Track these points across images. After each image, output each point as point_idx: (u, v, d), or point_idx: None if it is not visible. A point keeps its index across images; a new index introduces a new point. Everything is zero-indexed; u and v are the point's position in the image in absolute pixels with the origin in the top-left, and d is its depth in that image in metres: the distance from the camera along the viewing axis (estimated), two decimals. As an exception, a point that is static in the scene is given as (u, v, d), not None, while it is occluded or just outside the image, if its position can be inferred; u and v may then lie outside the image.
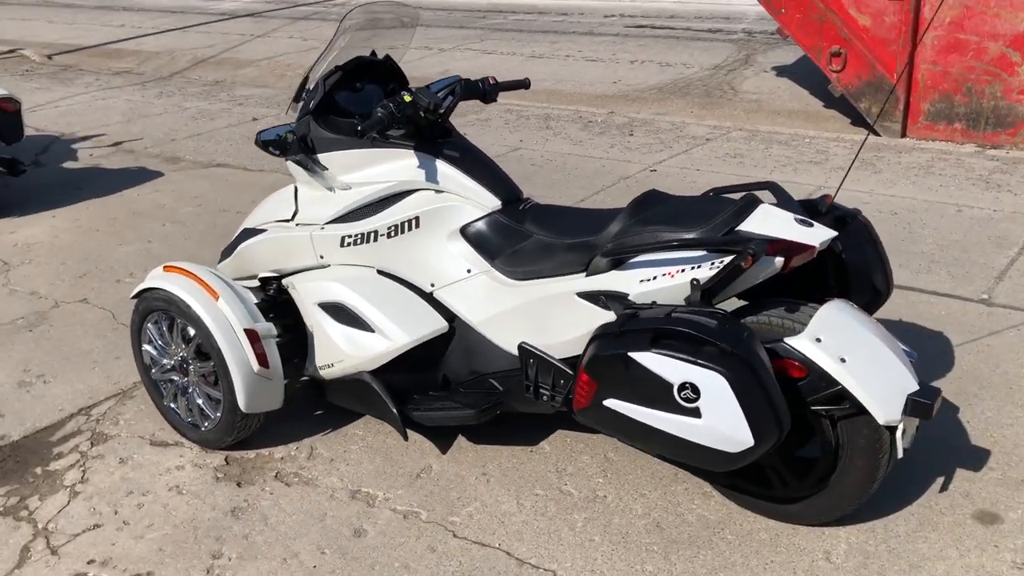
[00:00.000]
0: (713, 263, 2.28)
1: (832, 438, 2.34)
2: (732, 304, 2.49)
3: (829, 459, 2.36)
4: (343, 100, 2.96)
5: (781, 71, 8.21)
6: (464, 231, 2.78)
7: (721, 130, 6.43)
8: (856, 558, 2.36)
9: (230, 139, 6.90)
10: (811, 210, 2.59)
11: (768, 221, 2.33)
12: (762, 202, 2.41)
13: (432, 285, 2.82)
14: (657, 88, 8.01)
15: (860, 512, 2.48)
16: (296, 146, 2.88)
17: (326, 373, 2.89)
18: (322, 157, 2.90)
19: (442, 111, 2.84)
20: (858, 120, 6.43)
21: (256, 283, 3.15)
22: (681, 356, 2.06)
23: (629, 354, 2.13)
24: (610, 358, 2.16)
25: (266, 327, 2.81)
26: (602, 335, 2.24)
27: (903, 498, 2.58)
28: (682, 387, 2.08)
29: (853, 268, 2.59)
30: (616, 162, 5.82)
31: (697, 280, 2.28)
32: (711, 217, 2.35)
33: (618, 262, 2.43)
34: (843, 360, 2.20)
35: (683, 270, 2.31)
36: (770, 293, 2.63)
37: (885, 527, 2.47)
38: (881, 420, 2.18)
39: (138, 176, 6.06)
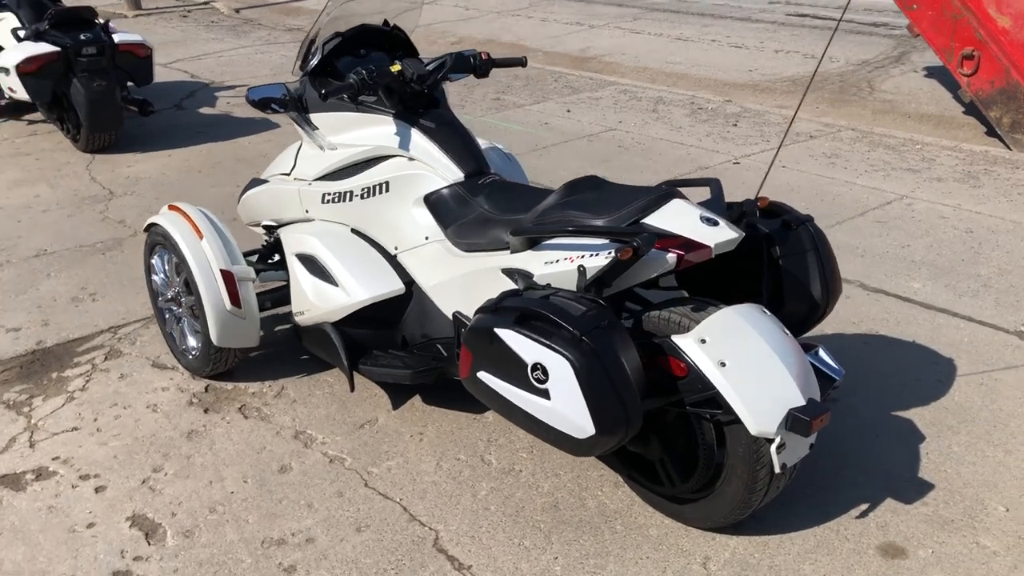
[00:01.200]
0: (609, 253, 2.28)
1: (714, 443, 2.30)
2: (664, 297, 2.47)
3: (712, 464, 2.32)
4: (344, 65, 3.11)
5: (932, 72, 7.70)
6: (427, 199, 2.88)
7: (832, 128, 6.15)
8: (733, 568, 2.32)
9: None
10: (752, 212, 2.53)
11: (672, 216, 2.31)
12: (679, 196, 2.37)
13: (395, 248, 2.94)
14: (791, 80, 7.72)
15: (761, 524, 2.44)
16: (292, 104, 3.06)
17: (299, 320, 3.08)
18: (314, 117, 3.08)
19: (428, 82, 2.95)
20: (993, 130, 5.97)
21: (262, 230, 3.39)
22: (535, 337, 2.10)
23: (495, 329, 2.18)
24: (480, 331, 2.22)
25: (243, 270, 3.03)
26: (482, 309, 2.29)
27: (813, 517, 2.49)
28: (535, 367, 2.11)
29: (789, 276, 2.51)
30: (704, 151, 5.70)
31: (583, 267, 2.29)
32: (623, 207, 2.35)
33: (534, 242, 2.47)
34: (723, 364, 2.15)
35: (582, 256, 2.32)
36: (710, 291, 2.60)
37: (780, 543, 2.41)
38: (753, 430, 2.13)
39: (256, 126, 6.50)
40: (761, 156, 5.58)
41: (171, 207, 3.19)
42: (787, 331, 2.30)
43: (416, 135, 2.91)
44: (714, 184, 2.57)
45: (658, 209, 2.33)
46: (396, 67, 2.91)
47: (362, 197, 2.98)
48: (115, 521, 2.54)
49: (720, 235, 2.28)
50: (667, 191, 2.39)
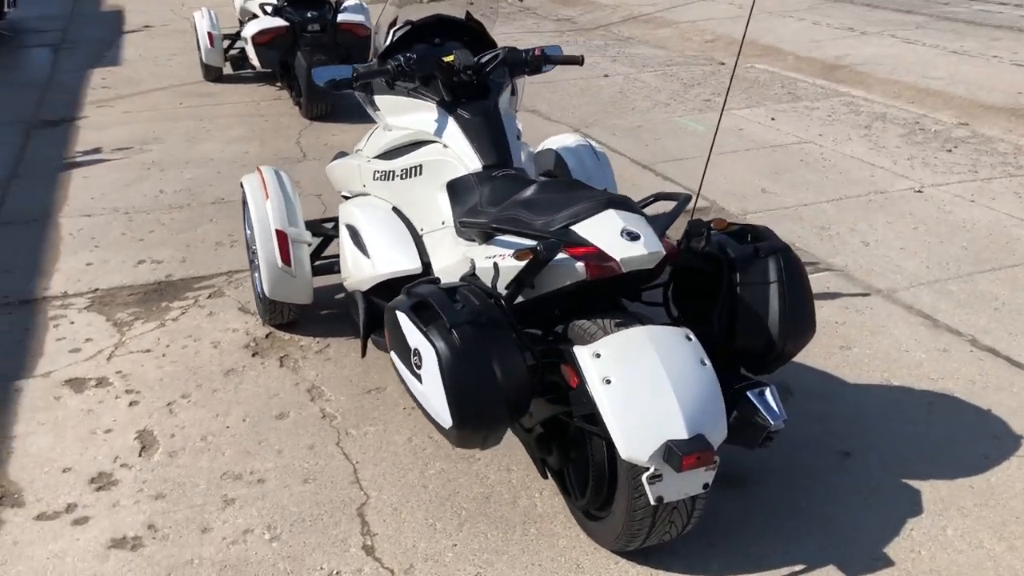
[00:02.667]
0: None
1: (604, 462, 2.23)
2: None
3: (603, 482, 2.26)
4: (422, 51, 3.28)
5: None
6: (449, 185, 2.99)
7: (1065, 165, 5.38)
8: (614, 595, 2.25)
9: (563, 91, 7.39)
10: (713, 233, 2.39)
11: (597, 226, 2.26)
12: (619, 206, 2.31)
13: (421, 229, 3.09)
14: (1059, 107, 6.78)
15: (675, 558, 2.32)
16: (360, 85, 3.29)
17: (345, 284, 3.33)
18: (377, 99, 3.29)
19: (479, 73, 3.05)
20: None
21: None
22: (417, 323, 2.16)
23: (396, 312, 2.26)
24: (389, 312, 2.32)
25: (298, 232, 3.32)
26: (402, 292, 2.38)
27: (734, 564, 2.33)
28: (414, 352, 2.18)
29: (745, 307, 2.35)
30: (890, 175, 5.23)
31: (498, 266, 2.30)
32: (562, 210, 2.33)
33: (488, 236, 2.51)
34: (608, 381, 2.09)
35: (502, 256, 2.34)
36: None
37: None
38: (623, 454, 2.05)
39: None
40: (954, 188, 5.03)
41: (258, 168, 3.54)
42: (705, 361, 2.17)
43: (451, 123, 3.02)
44: (681, 200, 2.46)
45: (589, 217, 2.29)
46: (450, 57, 3.03)
47: (402, 178, 3.15)
48: (128, 432, 2.93)
49: (632, 251, 2.20)
50: (610, 199, 2.33)
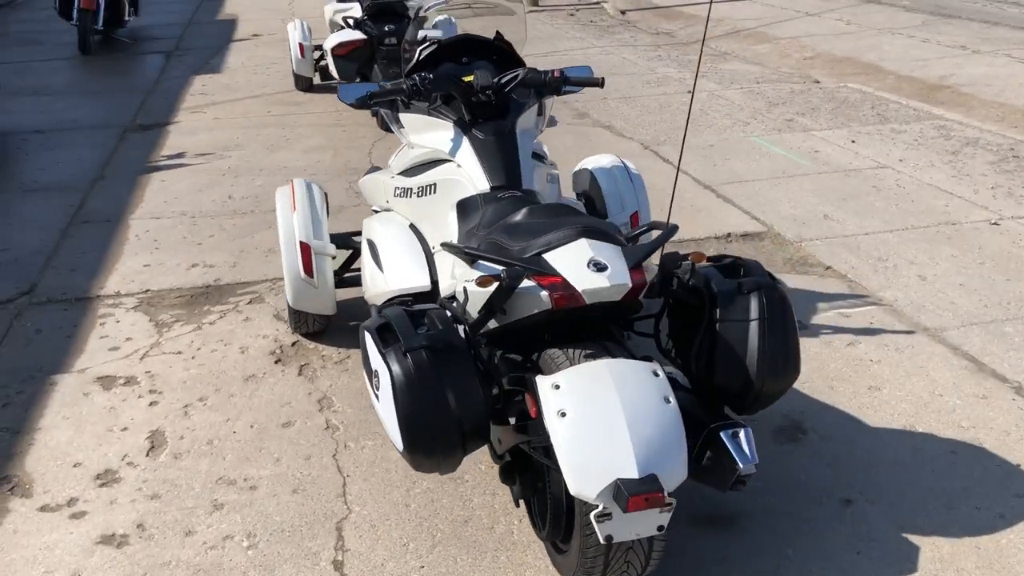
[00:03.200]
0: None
1: (561, 495, 2.20)
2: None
3: (561, 516, 2.22)
4: (445, 71, 3.32)
5: None
6: (458, 204, 3.01)
7: None
8: (567, 632, 2.21)
9: (642, 107, 7.30)
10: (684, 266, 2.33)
11: (567, 255, 2.23)
12: (594, 236, 2.27)
13: (433, 248, 3.11)
14: None
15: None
16: (387, 103, 3.34)
17: (365, 298, 3.38)
18: (401, 116, 3.33)
19: (498, 94, 3.06)
20: None
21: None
22: (378, 344, 2.17)
23: (363, 331, 2.28)
24: (360, 330, 2.34)
25: (321, 245, 3.39)
26: (373, 312, 2.40)
27: (693, 612, 2.26)
28: (373, 373, 2.19)
29: (723, 345, 2.28)
30: (968, 205, 4.96)
31: (467, 291, 2.30)
32: (540, 237, 2.31)
33: (474, 259, 2.50)
34: (563, 414, 2.05)
35: (473, 281, 2.33)
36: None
37: (636, 625, 2.22)
38: (571, 489, 2.01)
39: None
40: (1035, 220, 4.73)
41: (291, 181, 3.64)
42: (670, 399, 2.10)
43: (465, 143, 3.03)
44: (666, 230, 2.39)
45: (561, 246, 2.26)
46: (469, 77, 3.05)
47: (418, 195, 3.18)
48: (141, 432, 3.06)
49: (596, 282, 2.16)
50: (585, 228, 2.29)
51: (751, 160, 5.82)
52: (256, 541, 2.54)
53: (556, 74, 3.12)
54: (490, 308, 2.29)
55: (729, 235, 4.64)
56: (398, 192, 3.30)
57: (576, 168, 3.96)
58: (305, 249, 3.37)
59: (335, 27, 7.30)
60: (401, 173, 3.34)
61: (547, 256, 2.25)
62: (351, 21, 6.67)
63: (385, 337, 2.19)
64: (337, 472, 2.82)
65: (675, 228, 2.45)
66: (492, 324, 2.38)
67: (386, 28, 6.32)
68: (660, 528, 2.07)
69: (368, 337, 2.24)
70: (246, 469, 2.85)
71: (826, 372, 3.34)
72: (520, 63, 3.33)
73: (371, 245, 3.29)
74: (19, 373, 3.43)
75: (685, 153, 6.00)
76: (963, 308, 3.80)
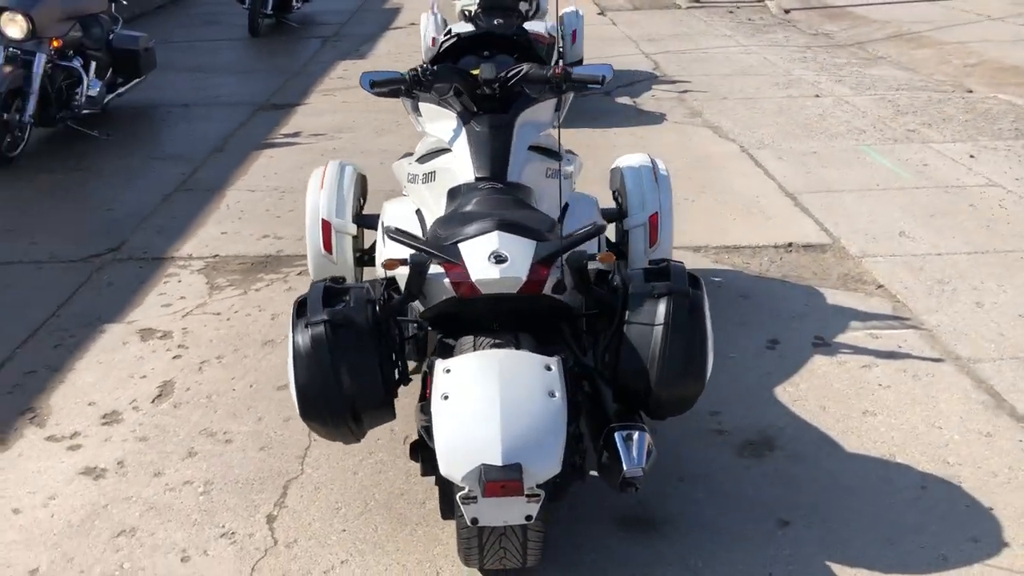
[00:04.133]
0: None
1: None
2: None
3: (449, 495, 2.30)
4: (464, 63, 3.44)
5: None
6: (449, 193, 3.12)
7: None
8: (446, 608, 2.30)
9: (760, 109, 7.11)
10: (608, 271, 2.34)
11: (476, 245, 2.31)
12: (506, 230, 2.33)
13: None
14: None
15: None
16: (406, 92, 3.48)
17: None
18: (420, 105, 3.47)
19: (501, 88, 3.15)
20: None
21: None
22: (293, 317, 2.32)
23: (296, 304, 2.43)
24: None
25: (342, 223, 3.59)
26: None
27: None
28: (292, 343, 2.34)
29: (628, 348, 2.28)
30: (1068, 232, 4.57)
31: (387, 274, 2.41)
32: (465, 227, 2.39)
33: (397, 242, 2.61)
34: (445, 397, 2.14)
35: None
36: None
37: (514, 611, 2.29)
38: (441, 470, 2.10)
39: (645, 118, 6.82)
40: None
41: (327, 162, 3.85)
42: (556, 394, 2.12)
43: (463, 134, 3.14)
44: (592, 229, 2.42)
45: (477, 237, 2.34)
46: (475, 71, 3.16)
47: (422, 181, 3.31)
48: (155, 381, 3.37)
49: (490, 273, 2.23)
50: (503, 221, 2.36)
51: (849, 170, 5.56)
52: (210, 489, 2.76)
53: (558, 71, 3.15)
54: (409, 291, 2.39)
55: (790, 245, 4.49)
56: (410, 178, 3.44)
57: (612, 166, 3.97)
58: (326, 226, 3.57)
59: (462, 18, 7.52)
60: (417, 160, 3.48)
61: (461, 245, 2.33)
62: (467, 13, 6.85)
63: (300, 309, 2.34)
64: (306, 436, 3.00)
65: (602, 228, 2.46)
66: (421, 307, 2.48)
67: (495, 22, 6.45)
68: (528, 518, 2.11)
69: (294, 312, 2.39)
70: (229, 424, 3.09)
71: (825, 392, 3.21)
72: (538, 59, 3.39)
73: (381, 227, 3.45)
74: (79, 319, 3.84)
75: (781, 158, 5.82)
76: (1010, 340, 3.54)
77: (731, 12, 12.15)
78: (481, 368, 2.16)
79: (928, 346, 3.51)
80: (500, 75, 3.12)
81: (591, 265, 2.42)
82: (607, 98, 7.45)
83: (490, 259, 2.27)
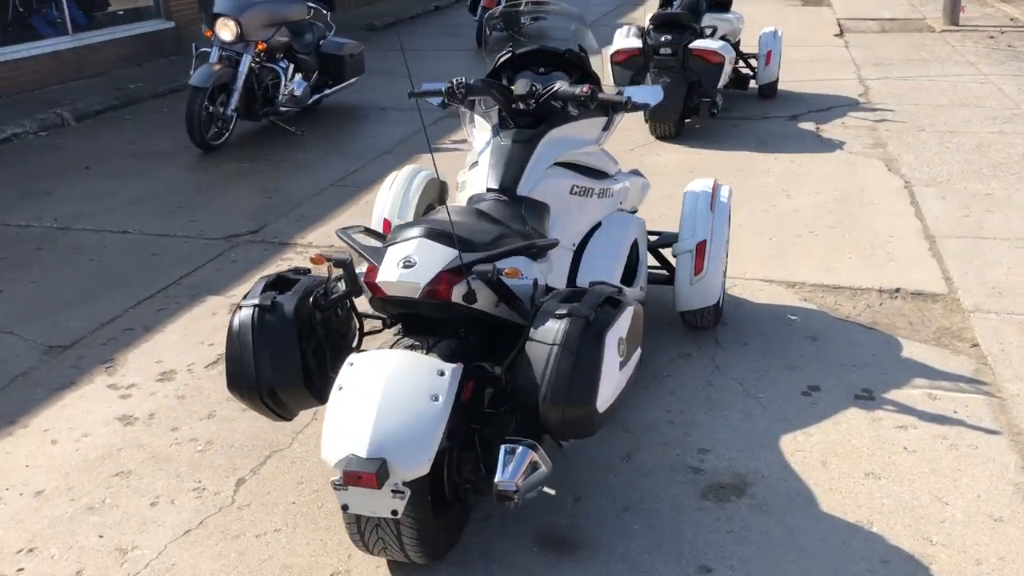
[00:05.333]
0: None
1: None
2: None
3: None
4: (520, 77, 3.54)
5: None
6: (469, 199, 3.25)
7: None
8: (335, 588, 2.45)
9: (956, 144, 6.52)
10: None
11: (396, 250, 2.43)
12: (431, 238, 2.43)
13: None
14: None
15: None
16: (467, 103, 3.64)
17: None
18: (474, 116, 3.62)
19: (533, 104, 3.24)
20: None
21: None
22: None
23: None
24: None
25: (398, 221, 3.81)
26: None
27: None
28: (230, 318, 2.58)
29: (524, 362, 2.31)
30: None
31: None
32: (404, 232, 2.52)
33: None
34: (340, 388, 2.29)
35: None
36: None
37: (391, 602, 2.39)
38: (322, 454, 2.25)
39: (817, 146, 6.49)
40: None
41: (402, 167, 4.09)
42: (439, 398, 2.20)
43: (490, 146, 3.26)
44: (520, 247, 2.46)
45: (402, 242, 2.45)
46: (515, 87, 3.27)
47: (459, 189, 3.47)
48: (218, 349, 3.76)
49: (390, 276, 2.34)
50: (431, 230, 2.45)
51: (1018, 217, 5.00)
52: (208, 449, 3.07)
53: (585, 90, 3.17)
54: (348, 287, 2.55)
55: (897, 290, 4.15)
56: (458, 186, 3.59)
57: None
58: (386, 225, 3.81)
59: (637, 34, 7.51)
60: (467, 169, 3.63)
61: (388, 248, 2.46)
62: (642, 29, 6.86)
63: (249, 292, 2.58)
64: (311, 415, 3.24)
65: (529, 246, 2.48)
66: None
67: (663, 38, 6.43)
68: (394, 512, 2.21)
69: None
70: (232, 408, 3.38)
71: (836, 446, 2.99)
72: (592, 77, 3.42)
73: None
74: (191, 289, 4.34)
75: (944, 197, 5.33)
76: (1095, 422, 3.09)
77: (991, 37, 11.11)
78: (374, 365, 2.28)
79: (991, 416, 3.14)
80: (531, 91, 3.19)
81: (511, 281, 2.47)
82: (790, 122, 7.15)
83: (399, 263, 2.37)
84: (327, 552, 2.56)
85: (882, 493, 2.76)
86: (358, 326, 2.79)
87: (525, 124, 3.26)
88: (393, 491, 2.19)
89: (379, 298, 2.45)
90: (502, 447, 2.28)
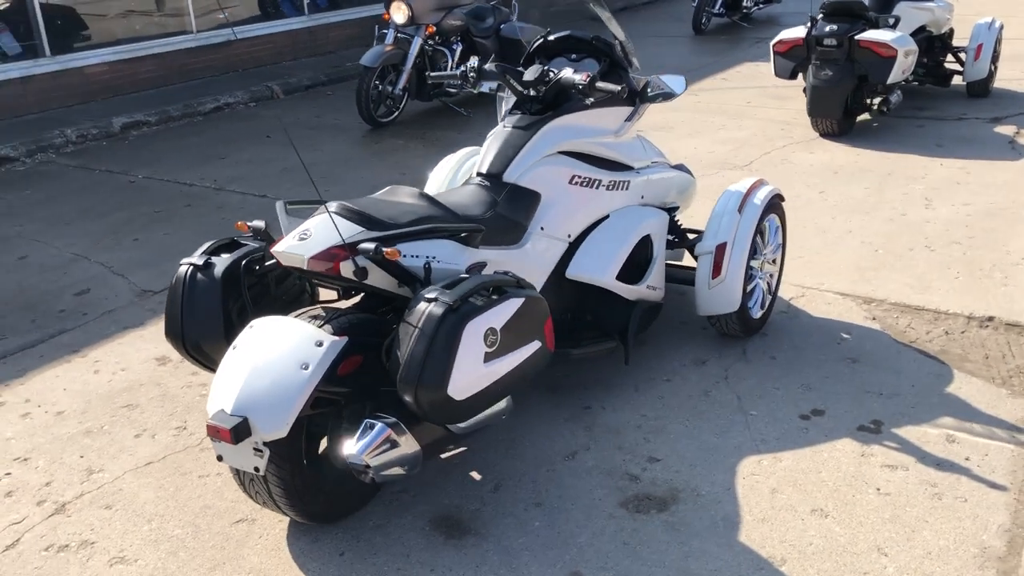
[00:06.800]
0: None
1: None
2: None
3: None
4: (554, 63, 3.52)
5: None
6: (467, 182, 3.30)
7: None
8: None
9: None
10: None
11: (305, 224, 2.53)
12: (337, 214, 2.51)
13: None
14: None
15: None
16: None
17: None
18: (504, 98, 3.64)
19: (534, 90, 3.23)
20: None
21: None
22: (195, 256, 2.80)
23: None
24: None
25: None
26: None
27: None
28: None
29: (395, 343, 2.35)
30: None
31: (269, 233, 2.76)
32: (329, 206, 2.64)
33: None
34: (234, 348, 2.45)
35: None
36: None
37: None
38: (207, 406, 2.44)
39: (1005, 152, 5.80)
40: None
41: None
42: (308, 367, 2.29)
43: (494, 130, 3.28)
44: (414, 231, 2.49)
45: (316, 215, 2.56)
46: (526, 72, 3.28)
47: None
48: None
49: (283, 246, 2.46)
50: (343, 206, 2.54)
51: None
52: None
53: (583, 78, 3.10)
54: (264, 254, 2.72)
55: (991, 319, 3.67)
56: (481, 168, 3.63)
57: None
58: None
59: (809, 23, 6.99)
60: (485, 152, 3.65)
61: (302, 222, 2.58)
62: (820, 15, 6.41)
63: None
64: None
65: (437, 230, 2.51)
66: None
67: (827, 28, 5.98)
68: (256, 469, 2.35)
69: None
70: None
71: (799, 477, 2.74)
72: (619, 64, 3.35)
73: None
74: (285, 252, 4.69)
75: None
76: None
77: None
78: (262, 330, 2.42)
79: (1006, 469, 2.73)
80: (536, 79, 3.17)
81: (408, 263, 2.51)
82: (986, 125, 6.41)
83: (296, 236, 2.48)
84: (245, 501, 2.74)
85: (817, 532, 2.50)
86: (310, 292, 2.93)
87: (536, 111, 3.24)
88: (255, 449, 2.32)
89: (284, 266, 2.57)
90: (365, 421, 2.34)
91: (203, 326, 2.64)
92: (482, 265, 2.77)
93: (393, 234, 2.51)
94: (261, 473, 2.34)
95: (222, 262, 2.69)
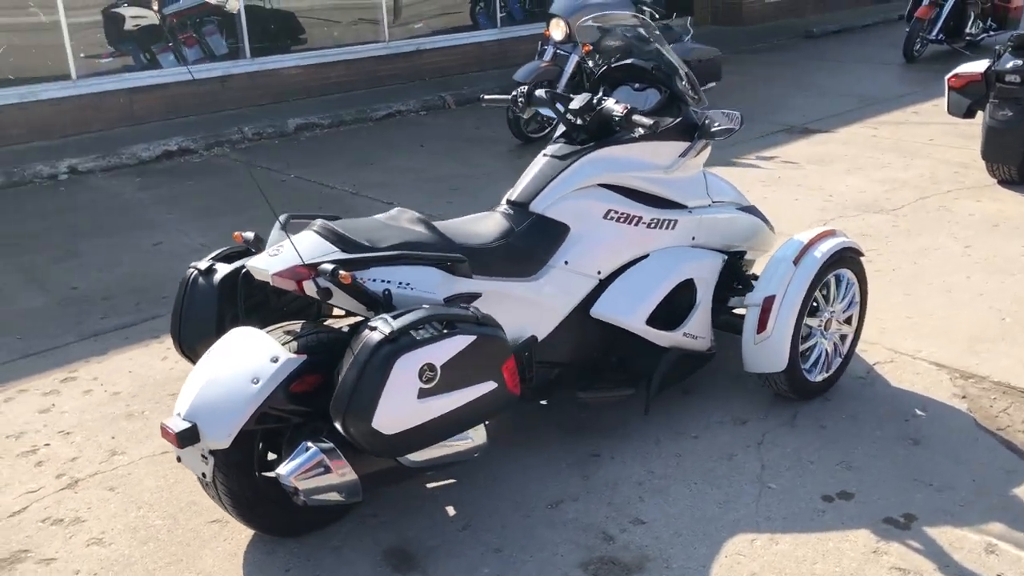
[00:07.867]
0: None
1: None
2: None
3: None
4: (618, 92, 3.39)
5: None
6: (506, 206, 3.23)
7: None
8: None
9: None
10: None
11: (283, 241, 2.56)
12: (315, 231, 2.53)
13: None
14: None
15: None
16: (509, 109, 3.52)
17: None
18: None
19: (581, 119, 3.13)
20: None
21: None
22: (210, 262, 2.91)
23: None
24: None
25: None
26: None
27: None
28: None
29: (339, 368, 2.34)
30: None
31: (267, 247, 2.81)
32: (313, 224, 2.67)
33: None
34: (208, 354, 2.53)
35: None
36: None
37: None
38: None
39: None
40: None
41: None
42: (258, 381, 2.33)
43: (535, 158, 3.20)
44: (391, 255, 2.47)
45: (299, 233, 2.59)
46: (574, 101, 3.19)
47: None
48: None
49: (253, 261, 2.50)
50: (323, 227, 2.55)
51: None
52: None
53: (621, 110, 2.96)
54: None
55: (1108, 413, 3.14)
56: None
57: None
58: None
59: None
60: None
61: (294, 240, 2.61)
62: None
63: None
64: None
65: (419, 257, 2.47)
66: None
67: (1010, 64, 5.35)
68: (203, 475, 2.42)
69: None
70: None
71: (790, 565, 2.45)
72: (680, 97, 3.19)
73: None
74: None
75: None
76: None
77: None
78: (231, 339, 2.48)
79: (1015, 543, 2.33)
80: (579, 108, 3.08)
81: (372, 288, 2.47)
82: None
83: (269, 252, 2.51)
84: (229, 502, 2.81)
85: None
86: (317, 305, 2.97)
87: (581, 140, 3.12)
88: (202, 455, 2.38)
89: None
90: (301, 443, 2.33)
91: (197, 329, 2.74)
92: (472, 296, 2.70)
93: (360, 257, 2.49)
94: (208, 480, 2.40)
95: (223, 269, 2.78)
